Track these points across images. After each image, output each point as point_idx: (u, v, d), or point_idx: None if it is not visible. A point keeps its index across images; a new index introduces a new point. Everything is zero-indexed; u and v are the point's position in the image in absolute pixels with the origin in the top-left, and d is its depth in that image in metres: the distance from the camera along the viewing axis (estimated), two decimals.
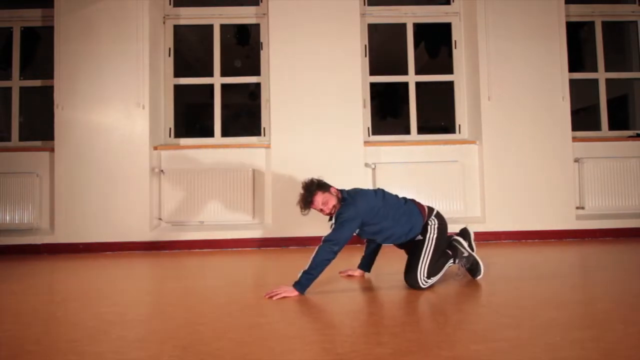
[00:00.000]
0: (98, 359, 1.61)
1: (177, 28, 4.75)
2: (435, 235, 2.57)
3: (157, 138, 4.50)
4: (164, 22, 4.65)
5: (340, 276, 2.88)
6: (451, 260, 2.65)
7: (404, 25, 4.78)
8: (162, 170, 4.39)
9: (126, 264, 3.70)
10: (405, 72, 4.73)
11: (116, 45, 4.28)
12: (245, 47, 5.46)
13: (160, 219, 4.39)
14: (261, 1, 4.65)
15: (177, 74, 4.70)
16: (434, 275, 2.52)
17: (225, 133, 4.69)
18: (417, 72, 4.75)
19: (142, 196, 4.23)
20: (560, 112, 4.37)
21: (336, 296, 2.45)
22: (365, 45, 4.65)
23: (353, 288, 2.64)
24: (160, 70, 4.59)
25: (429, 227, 2.60)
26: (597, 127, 4.80)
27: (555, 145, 4.35)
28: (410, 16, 4.76)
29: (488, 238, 4.22)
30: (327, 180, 2.62)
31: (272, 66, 4.37)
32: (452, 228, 2.75)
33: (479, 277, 2.67)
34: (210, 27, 4.73)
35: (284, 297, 2.36)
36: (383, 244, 2.79)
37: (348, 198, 2.52)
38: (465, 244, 2.70)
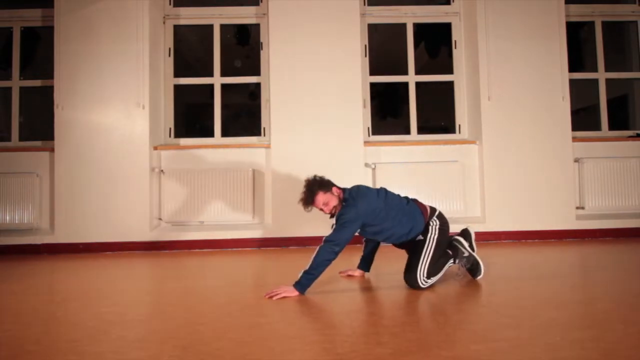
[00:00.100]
0: (98, 359, 1.61)
1: (177, 28, 4.75)
2: (436, 236, 2.57)
3: (157, 138, 4.50)
4: (164, 22, 4.65)
5: (340, 276, 2.88)
6: (451, 260, 2.65)
7: (404, 25, 4.78)
8: (162, 170, 4.39)
9: (126, 264, 3.70)
10: (405, 72, 4.73)
11: (116, 45, 4.28)
12: (245, 47, 5.46)
13: (160, 219, 4.39)
14: (261, 1, 4.65)
15: (177, 74, 4.70)
16: (434, 275, 2.52)
17: (225, 133, 4.69)
18: (417, 72, 4.75)
19: (142, 196, 4.23)
20: (560, 112, 4.37)
21: (336, 296, 2.45)
22: (365, 45, 4.65)
23: (353, 288, 2.64)
24: (160, 70, 4.59)
25: (430, 227, 2.60)
26: (597, 127, 4.80)
27: (555, 145, 4.36)
28: (410, 16, 4.76)
29: (488, 238, 4.22)
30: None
31: (272, 66, 4.37)
32: (452, 228, 2.75)
33: (479, 277, 2.67)
34: (210, 27, 4.73)
35: (284, 297, 2.36)
36: (382, 243, 2.79)
37: (349, 199, 2.52)
38: (466, 244, 2.69)
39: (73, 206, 4.20)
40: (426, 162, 4.44)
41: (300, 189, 2.60)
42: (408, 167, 4.41)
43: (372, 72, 4.69)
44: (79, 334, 1.89)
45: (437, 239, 2.57)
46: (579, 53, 5.22)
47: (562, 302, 2.19)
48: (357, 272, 2.90)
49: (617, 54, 5.22)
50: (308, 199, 2.53)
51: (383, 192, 2.64)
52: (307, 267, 2.41)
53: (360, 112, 4.36)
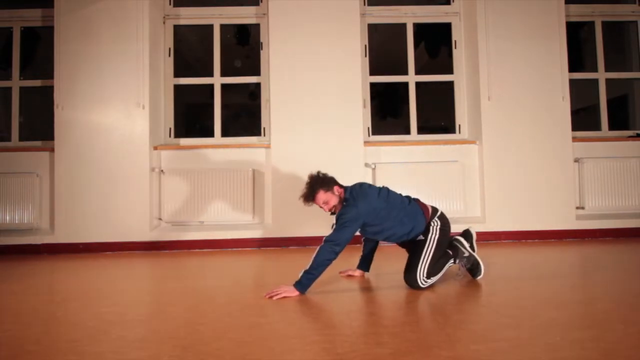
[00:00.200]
0: (98, 359, 1.61)
1: (177, 28, 4.75)
2: (436, 236, 2.57)
3: (157, 138, 4.50)
4: (164, 22, 4.65)
5: (340, 276, 2.88)
6: (451, 261, 2.65)
7: (404, 25, 4.78)
8: (162, 170, 4.39)
9: (126, 264, 3.70)
10: (405, 72, 4.73)
11: (116, 45, 4.28)
12: (245, 47, 5.46)
13: (160, 219, 4.39)
14: (261, 1, 4.65)
15: (177, 74, 4.70)
16: (433, 276, 2.52)
17: (225, 133, 4.69)
18: (417, 72, 4.75)
19: (142, 196, 4.23)
20: (560, 112, 4.37)
21: (336, 296, 2.45)
22: (365, 45, 4.65)
23: (353, 288, 2.64)
24: (160, 70, 4.59)
25: (431, 227, 2.59)
26: (597, 127, 4.80)
27: (555, 145, 4.36)
28: (410, 16, 4.76)
29: (488, 238, 4.22)
30: None
31: (272, 66, 4.37)
32: (453, 228, 2.74)
33: (479, 277, 2.67)
34: (210, 27, 4.73)
35: (285, 298, 2.36)
36: (380, 242, 2.80)
37: (349, 198, 2.53)
38: (466, 244, 2.69)
39: (73, 206, 4.20)
40: (426, 162, 4.44)
41: (300, 189, 2.61)
42: (408, 167, 4.41)
43: (372, 72, 4.68)
44: (79, 334, 1.89)
45: (438, 239, 2.57)
46: (579, 53, 5.22)
47: (562, 302, 2.19)
48: (357, 272, 2.90)
49: (617, 54, 5.22)
50: (309, 196, 2.56)
51: (385, 191, 2.64)
52: (307, 267, 2.42)
53: (360, 112, 4.36)
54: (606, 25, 4.88)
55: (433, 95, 5.74)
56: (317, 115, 4.32)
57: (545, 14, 4.41)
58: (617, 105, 5.21)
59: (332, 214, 2.59)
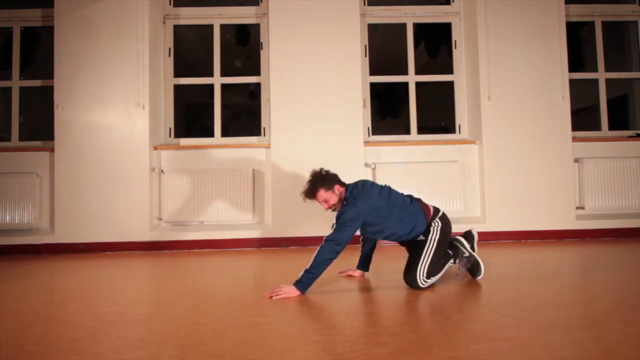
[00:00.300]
0: (98, 359, 1.61)
1: (177, 28, 4.75)
2: (437, 237, 2.57)
3: (157, 138, 4.50)
4: (164, 22, 4.65)
5: (340, 276, 2.88)
6: (452, 261, 2.65)
7: (404, 25, 4.78)
8: (162, 170, 4.39)
9: (126, 264, 3.70)
10: (405, 72, 4.73)
11: (116, 45, 4.28)
12: (245, 47, 5.46)
13: (160, 219, 4.39)
14: (261, 1, 4.65)
15: (177, 74, 4.70)
16: (433, 275, 2.52)
17: (225, 133, 4.69)
18: (417, 72, 4.75)
19: (142, 196, 4.23)
20: (560, 112, 4.37)
21: (336, 296, 2.45)
22: (365, 45, 4.65)
23: (353, 288, 2.64)
24: (160, 70, 4.59)
25: (431, 228, 2.59)
26: (597, 127, 4.80)
27: (555, 145, 4.35)
28: (410, 16, 4.76)
29: (488, 238, 4.22)
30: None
31: (272, 66, 4.37)
32: (453, 228, 2.74)
33: (479, 277, 2.67)
34: (210, 27, 4.73)
35: (285, 298, 2.36)
36: (380, 241, 2.80)
37: (350, 198, 2.53)
38: (467, 244, 2.69)
39: (73, 206, 4.20)
40: (426, 162, 4.44)
41: (300, 189, 2.64)
42: (408, 167, 4.41)
43: (372, 72, 4.68)
44: (79, 334, 1.89)
45: (439, 239, 2.57)
46: (579, 53, 5.22)
47: (562, 302, 2.19)
48: (357, 273, 2.90)
49: (617, 54, 5.22)
50: (309, 194, 2.59)
51: (387, 190, 2.64)
52: (308, 266, 2.42)
53: (360, 112, 4.36)
54: (606, 25, 4.88)
55: (433, 95, 5.74)
56: (317, 115, 4.32)
57: (545, 14, 4.41)
58: (617, 105, 5.21)
59: (333, 211, 2.60)
